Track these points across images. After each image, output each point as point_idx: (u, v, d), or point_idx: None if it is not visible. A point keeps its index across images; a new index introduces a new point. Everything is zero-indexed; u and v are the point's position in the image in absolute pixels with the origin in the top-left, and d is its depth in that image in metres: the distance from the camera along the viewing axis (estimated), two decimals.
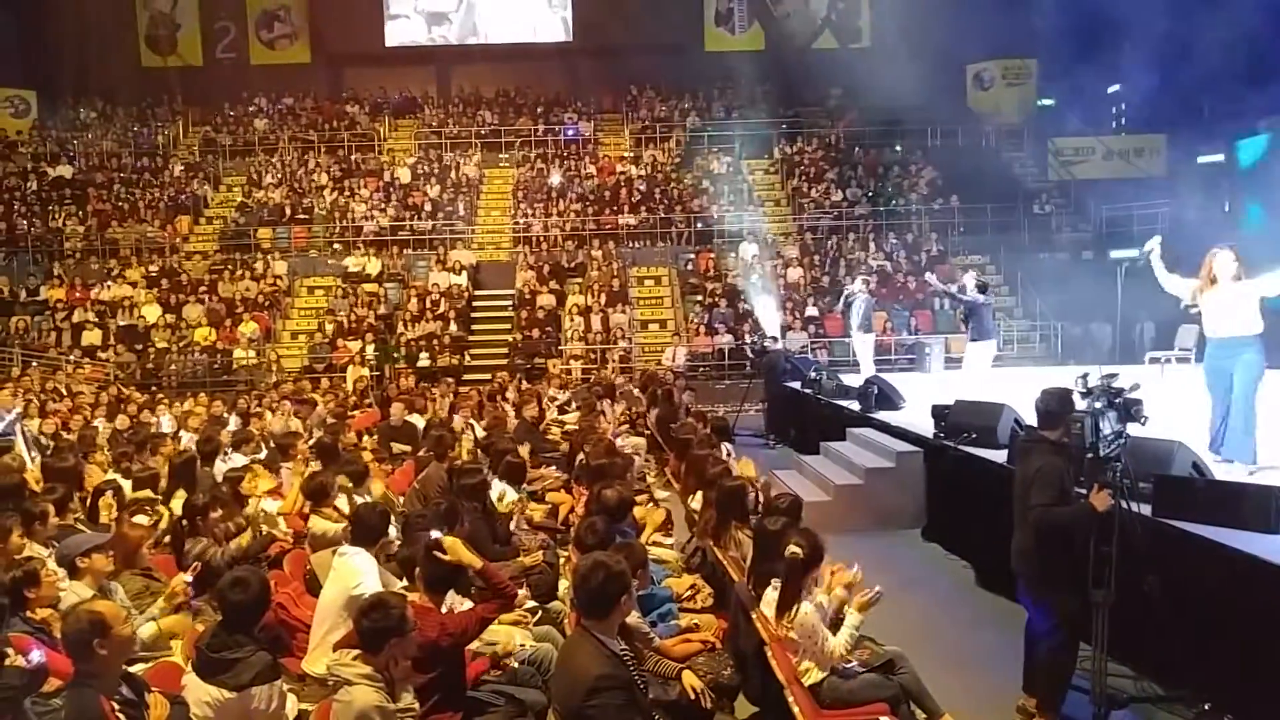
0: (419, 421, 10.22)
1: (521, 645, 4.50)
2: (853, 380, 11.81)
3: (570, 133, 23.98)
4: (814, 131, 24.03)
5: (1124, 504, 4.19)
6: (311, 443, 8.19)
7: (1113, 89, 22.31)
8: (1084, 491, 4.26)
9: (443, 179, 22.32)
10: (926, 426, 8.52)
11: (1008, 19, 19.57)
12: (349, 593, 4.33)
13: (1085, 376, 4.53)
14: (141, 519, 4.96)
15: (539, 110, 24.75)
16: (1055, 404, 4.43)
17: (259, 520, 5.58)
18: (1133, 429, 4.43)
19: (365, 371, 16.36)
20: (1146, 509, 4.98)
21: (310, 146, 23.48)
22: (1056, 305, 18.22)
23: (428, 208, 21.25)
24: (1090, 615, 4.25)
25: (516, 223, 21.45)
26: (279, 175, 22.45)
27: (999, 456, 6.91)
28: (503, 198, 22.47)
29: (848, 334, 18.20)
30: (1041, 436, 4.48)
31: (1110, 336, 17.60)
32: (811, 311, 18.87)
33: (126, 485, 6.45)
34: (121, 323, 18.38)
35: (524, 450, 8.33)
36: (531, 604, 5.18)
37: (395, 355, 17.21)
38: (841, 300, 13.20)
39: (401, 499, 6.97)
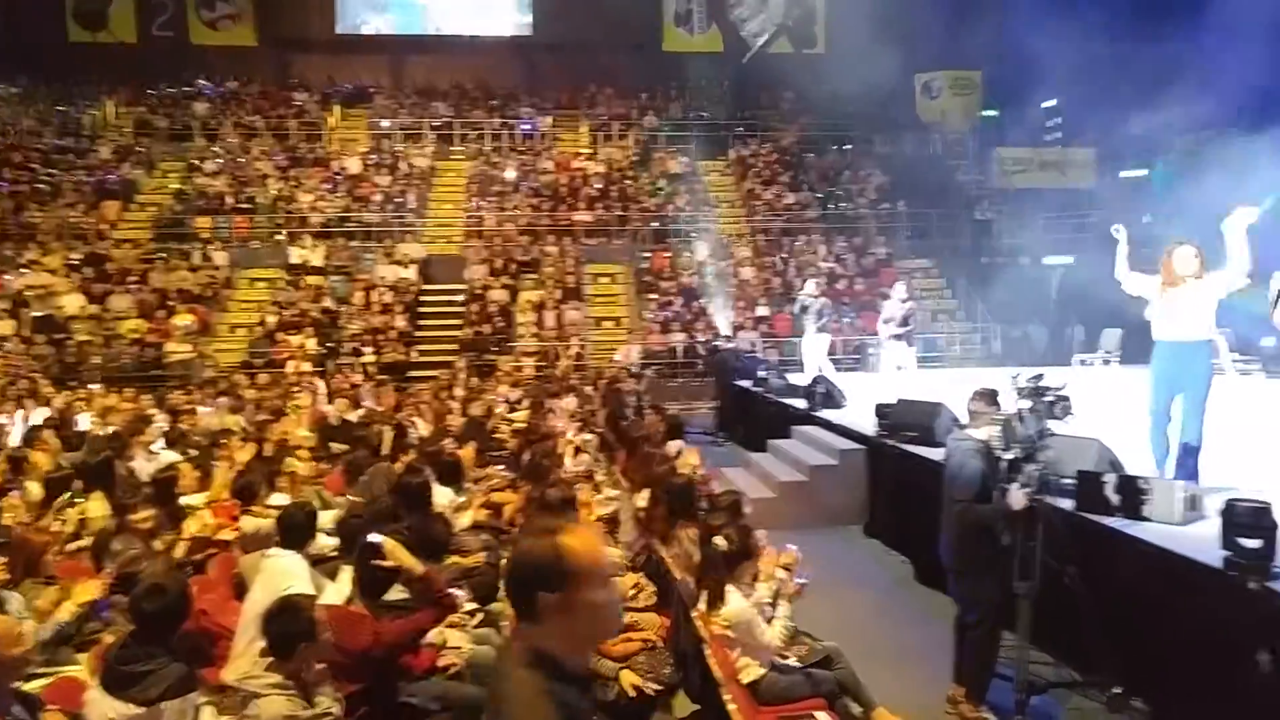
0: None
1: (458, 647, 4.48)
2: (800, 379, 12.01)
3: (526, 127, 23.89)
4: (768, 134, 24.29)
5: (1047, 499, 4.37)
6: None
7: (1049, 103, 23.00)
8: (1007, 488, 4.42)
9: (393, 170, 22.07)
10: (870, 425, 8.72)
11: (956, 31, 20.02)
12: (278, 596, 4.27)
13: (1016, 377, 4.71)
14: (51, 522, 4.75)
15: (495, 104, 24.60)
16: (982, 403, 4.59)
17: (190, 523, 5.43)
18: (1057, 427, 4.62)
19: (307, 366, 16.03)
20: (1069, 503, 5.20)
21: (254, 133, 22.96)
22: (996, 308, 18.72)
23: (377, 199, 20.99)
24: (1014, 606, 4.42)
25: (469, 216, 21.31)
26: (220, 162, 21.85)
27: (936, 454, 7.08)
28: (455, 191, 22.29)
29: (798, 335, 18.52)
30: (968, 435, 4.64)
31: (1044, 338, 18.17)
32: (762, 311, 19.08)
33: (34, 486, 6.19)
34: (37, 313, 17.15)
35: (469, 449, 8.32)
36: (471, 605, 5.17)
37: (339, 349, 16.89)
38: (797, 304, 13.33)
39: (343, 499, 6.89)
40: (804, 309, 13.03)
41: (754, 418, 12.58)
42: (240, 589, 4.93)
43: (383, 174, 21.85)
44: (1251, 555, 3.94)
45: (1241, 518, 4.00)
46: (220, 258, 19.35)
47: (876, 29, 18.17)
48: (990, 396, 4.63)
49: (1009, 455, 4.36)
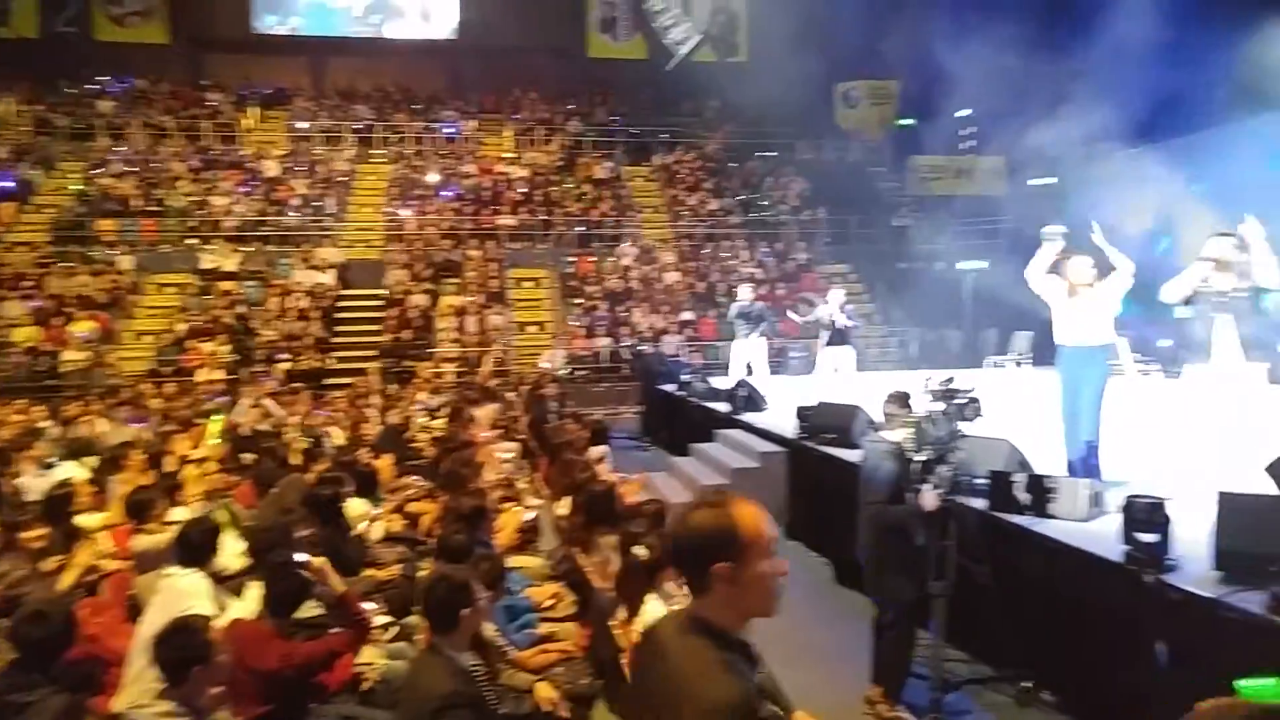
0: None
1: (371, 664, 4.34)
2: (724, 383, 12.07)
3: (450, 131, 23.57)
4: (692, 141, 24.47)
5: (959, 499, 4.46)
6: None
7: (962, 113, 23.71)
8: (920, 489, 4.49)
9: (312, 173, 21.51)
10: (791, 428, 8.80)
11: (874, 43, 20.48)
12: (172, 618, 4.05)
13: (928, 380, 4.79)
14: None
15: (417, 107, 24.21)
16: (895, 406, 4.66)
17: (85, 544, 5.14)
18: (968, 428, 4.71)
19: (219, 374, 15.47)
20: (981, 503, 5.32)
21: (165, 134, 22.10)
22: (913, 312, 19.19)
23: (295, 203, 20.43)
24: (928, 605, 4.48)
25: (390, 220, 20.91)
26: (127, 163, 20.95)
27: (854, 456, 7.18)
28: (376, 194, 21.84)
29: (727, 339, 18.65)
30: (882, 437, 4.70)
31: (959, 341, 18.72)
32: (687, 316, 19.18)
33: None
34: None
35: (386, 459, 8.12)
36: (385, 619, 5.02)
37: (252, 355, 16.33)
38: (735, 310, 13.34)
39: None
40: (742, 314, 13.07)
41: (678, 422, 12.62)
42: (136, 611, 4.69)
43: (301, 177, 21.28)
44: (1148, 549, 4.07)
45: (1139, 513, 4.13)
46: (126, 262, 18.54)
47: (797, 39, 18.49)
48: (903, 399, 4.71)
49: (921, 457, 4.43)
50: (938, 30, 16.26)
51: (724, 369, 16.21)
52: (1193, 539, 4.18)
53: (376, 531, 6.41)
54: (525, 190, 21.79)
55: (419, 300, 18.54)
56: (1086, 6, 13.19)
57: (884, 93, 25.06)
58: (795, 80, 19.53)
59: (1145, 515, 4.11)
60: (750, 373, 12.77)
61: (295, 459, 7.97)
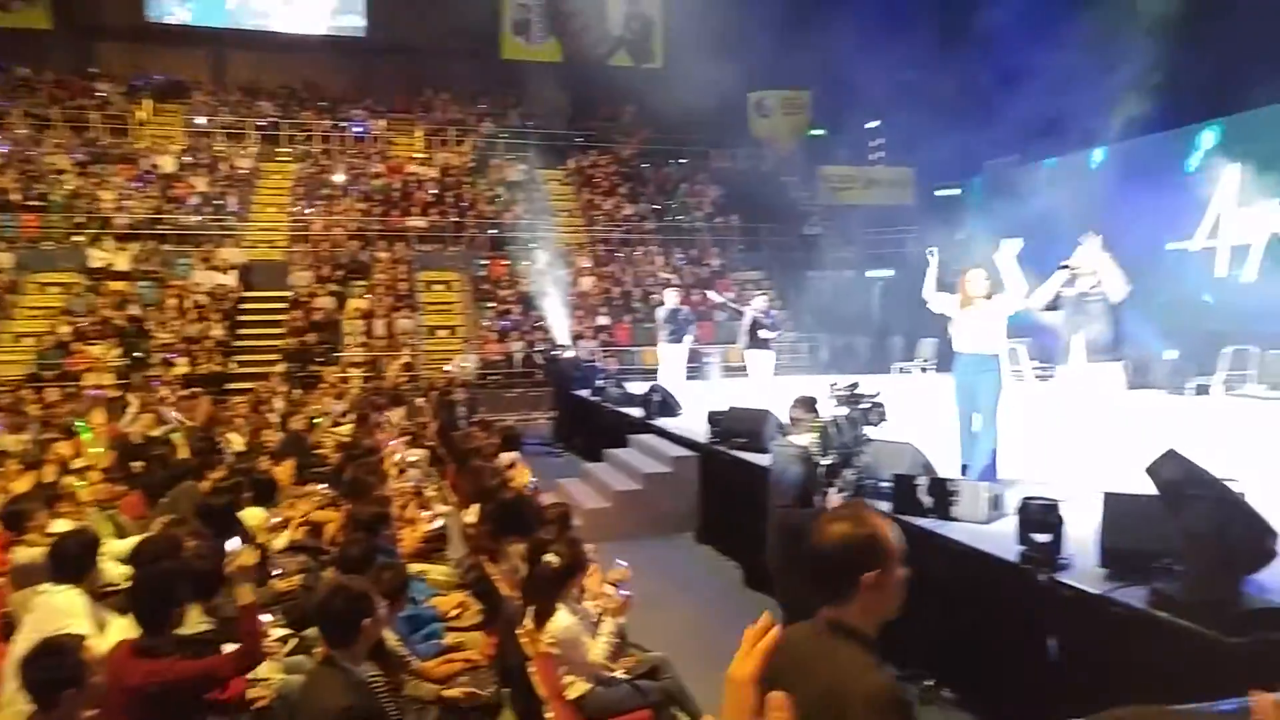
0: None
1: (267, 679, 4.16)
2: (639, 388, 12.07)
3: (358, 130, 23.00)
4: (607, 146, 24.47)
5: (864, 501, 4.52)
6: None
7: (871, 124, 24.37)
8: (829, 490, 4.56)
9: (213, 171, 20.67)
10: (703, 432, 8.84)
11: (786, 53, 20.85)
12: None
13: (833, 385, 4.86)
14: None
15: (324, 105, 23.54)
16: (801, 410, 4.71)
17: None
18: (873, 432, 4.80)
19: (108, 378, 14.69)
20: (885, 505, 5.42)
21: (48, 124, 20.90)
22: (823, 319, 19.59)
23: (194, 201, 19.59)
24: None
25: (295, 220, 20.26)
26: (6, 155, 19.70)
27: (764, 460, 7.25)
28: (280, 194, 21.14)
29: (641, 345, 18.69)
30: (789, 441, 4.75)
31: (867, 348, 19.20)
32: (602, 321, 19.15)
33: None
34: None
35: (287, 466, 7.85)
36: (283, 631, 4.82)
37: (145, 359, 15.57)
38: (662, 315, 13.27)
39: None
40: (669, 319, 13.02)
41: (592, 427, 12.57)
42: (11, 629, 4.40)
43: (200, 174, 20.42)
44: (1042, 549, 4.21)
45: (1033, 515, 4.27)
46: (5, 260, 17.47)
47: (712, 47, 18.69)
48: (809, 404, 4.76)
49: (827, 460, 4.48)
50: (848, 43, 16.66)
51: (639, 374, 16.25)
52: (1083, 538, 4.34)
53: (278, 541, 6.17)
54: (436, 192, 21.43)
55: (325, 303, 18.01)
56: (991, 24, 13.72)
57: (796, 103, 25.55)
58: (710, 88, 19.74)
59: (1039, 516, 4.25)
60: (682, 376, 12.76)
61: (189, 466, 7.60)
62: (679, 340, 12.99)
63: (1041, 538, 4.22)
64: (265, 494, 6.42)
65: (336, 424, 10.90)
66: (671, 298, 13.47)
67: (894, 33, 16.12)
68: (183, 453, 7.82)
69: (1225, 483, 3.56)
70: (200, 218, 19.31)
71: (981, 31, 13.83)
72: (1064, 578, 4.16)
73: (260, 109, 22.80)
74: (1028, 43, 13.97)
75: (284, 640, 4.69)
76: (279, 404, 11.92)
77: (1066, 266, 6.13)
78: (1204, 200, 13.49)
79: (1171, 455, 3.68)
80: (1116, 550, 4.12)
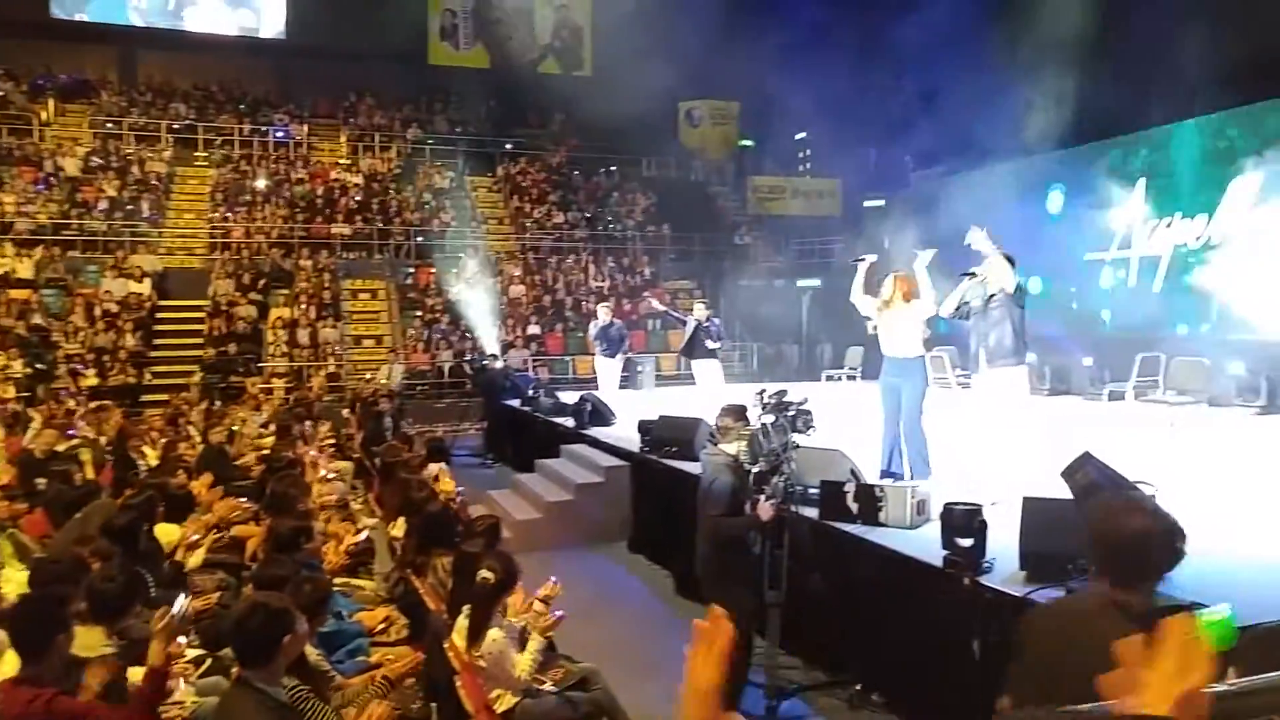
0: None
1: (181, 703, 3.97)
2: (570, 398, 11.99)
3: (280, 134, 22.43)
4: (537, 153, 24.37)
5: (792, 509, 4.56)
6: None
7: (799, 135, 24.78)
8: (759, 498, 4.57)
9: (123, 174, 19.90)
10: (635, 441, 8.82)
11: (715, 63, 21.07)
12: None
13: (762, 392, 4.89)
14: None
15: (243, 108, 22.90)
16: (730, 419, 4.73)
17: None
18: (801, 439, 4.85)
19: (10, 391, 13.96)
20: (813, 512, 5.48)
21: None
22: (754, 327, 19.81)
23: (103, 206, 18.81)
24: (764, 613, 4.56)
25: (214, 227, 19.63)
26: None
27: (695, 468, 7.27)
28: (198, 199, 20.47)
29: (577, 353, 18.60)
30: (720, 450, 4.76)
31: (797, 356, 19.49)
32: (533, 330, 19.02)
33: None
34: None
35: (205, 480, 7.57)
36: (197, 652, 4.62)
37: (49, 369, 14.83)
38: (594, 330, 13.08)
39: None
40: (601, 335, 12.85)
41: (523, 438, 12.43)
42: None
43: (111, 178, 19.63)
44: (965, 553, 4.30)
45: (957, 520, 4.35)
46: None
47: (642, 56, 18.77)
48: (738, 412, 4.78)
49: (756, 468, 4.50)
50: (776, 55, 16.93)
51: (571, 383, 16.19)
52: (1005, 542, 4.44)
53: (195, 558, 5.93)
54: (361, 199, 21.03)
55: (246, 311, 17.49)
56: (913, 42, 14.10)
57: (725, 113, 25.84)
58: (640, 97, 19.83)
59: (963, 521, 4.33)
60: (616, 388, 12.64)
61: (99, 482, 7.28)
62: (614, 355, 12.89)
63: (964, 542, 4.30)
64: (181, 509, 6.18)
65: (258, 436, 10.57)
66: (603, 314, 13.33)
67: (821, 46, 16.45)
68: (90, 469, 7.48)
69: (1136, 485, 3.68)
70: (110, 223, 18.55)
71: (904, 48, 14.21)
72: (986, 581, 4.25)
73: (174, 111, 22.05)
74: (948, 60, 14.41)
75: (198, 661, 4.51)
76: (197, 416, 11.51)
77: (972, 274, 6.31)
78: (1118, 213, 14.06)
79: (1086, 459, 3.80)
80: (1035, 553, 4.22)
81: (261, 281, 18.36)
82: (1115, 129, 13.86)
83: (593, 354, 13.01)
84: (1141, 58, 11.86)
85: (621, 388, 13.46)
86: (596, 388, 12.82)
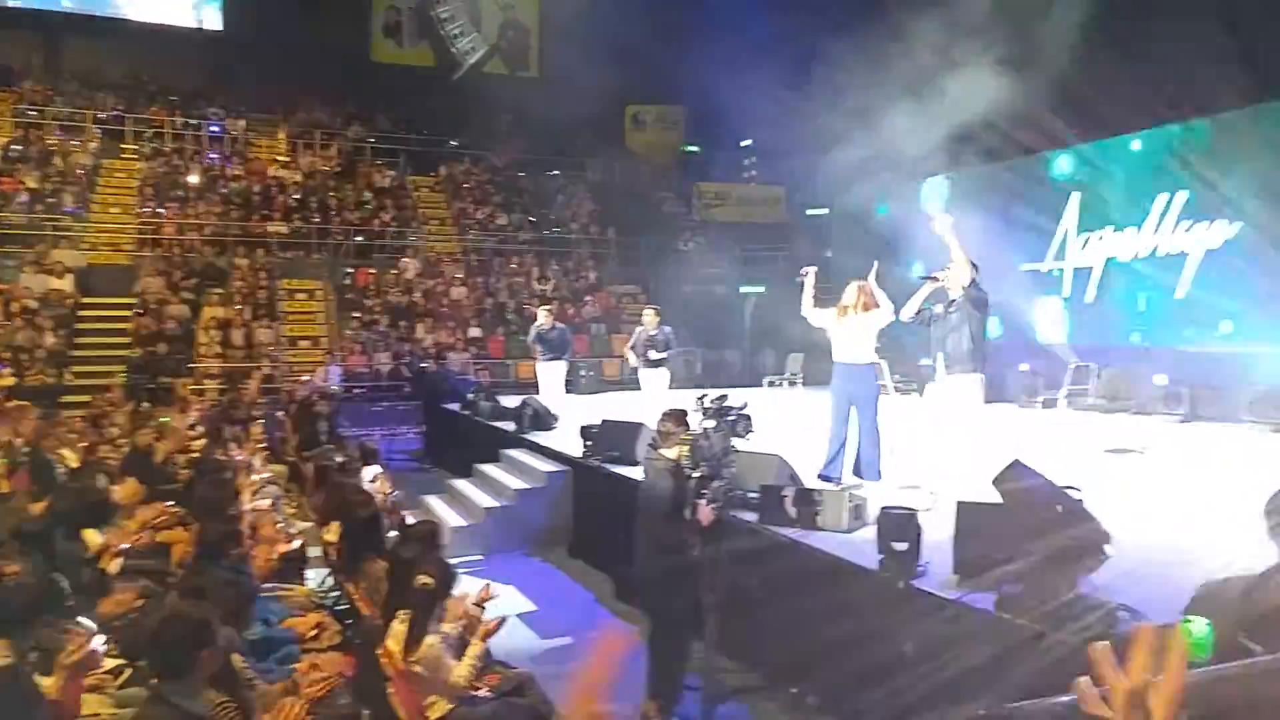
0: None
1: (97, 714, 3.81)
2: (510, 402, 11.86)
3: (215, 129, 21.85)
4: (481, 154, 24.15)
5: (732, 513, 4.57)
6: None
7: (745, 143, 24.96)
8: (700, 503, 4.57)
9: (45, 166, 19.15)
10: (577, 446, 8.77)
11: (663, 67, 21.14)
12: None
13: (703, 397, 4.89)
14: None
15: (175, 100, 22.24)
16: (670, 424, 4.73)
17: None
18: (741, 444, 4.87)
19: None
20: (752, 516, 5.50)
21: None
22: (697, 333, 19.89)
23: (23, 198, 18.07)
24: (701, 617, 4.56)
25: (143, 223, 19.02)
26: None
27: (637, 473, 7.26)
28: (127, 193, 19.80)
29: (519, 356, 18.39)
30: (660, 454, 4.76)
31: (739, 361, 19.62)
32: (474, 333, 18.82)
33: None
34: None
35: (130, 484, 7.31)
36: (116, 662, 4.44)
37: None
38: (534, 334, 12.64)
39: None
40: (540, 338, 12.46)
41: (462, 442, 12.28)
42: None
43: (30, 169, 18.88)
44: (900, 557, 4.35)
45: (892, 523, 4.41)
46: None
47: (589, 59, 18.74)
48: (679, 417, 4.78)
49: (697, 473, 4.51)
50: (723, 61, 17.02)
51: (512, 387, 16.01)
52: (940, 545, 4.51)
53: (117, 564, 5.71)
54: (300, 196, 20.59)
55: (177, 310, 16.96)
56: (856, 50, 14.30)
57: (672, 118, 25.95)
58: (586, 99, 19.80)
59: (898, 525, 4.39)
60: (560, 393, 12.29)
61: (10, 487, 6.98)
62: (555, 358, 12.53)
63: (899, 546, 4.36)
64: (102, 514, 5.95)
65: (187, 439, 10.25)
66: (543, 316, 12.95)
67: (767, 55, 16.60)
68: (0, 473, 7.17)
69: (1065, 490, 3.77)
70: (30, 216, 17.83)
71: (848, 56, 14.41)
72: (920, 584, 4.31)
73: (101, 100, 21.32)
74: (887, 72, 14.65)
75: (116, 672, 4.34)
76: (121, 418, 11.11)
77: (934, 278, 6.40)
78: (1053, 224, 14.47)
79: (1016, 466, 3.87)
80: (968, 557, 4.30)
81: (194, 279, 17.84)
82: (1051, 142, 14.24)
83: (534, 358, 12.75)
84: (1076, 74, 12.19)
85: (566, 392, 13.24)
86: (538, 392, 12.67)
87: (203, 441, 10.07)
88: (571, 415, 10.60)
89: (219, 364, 16.31)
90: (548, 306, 12.83)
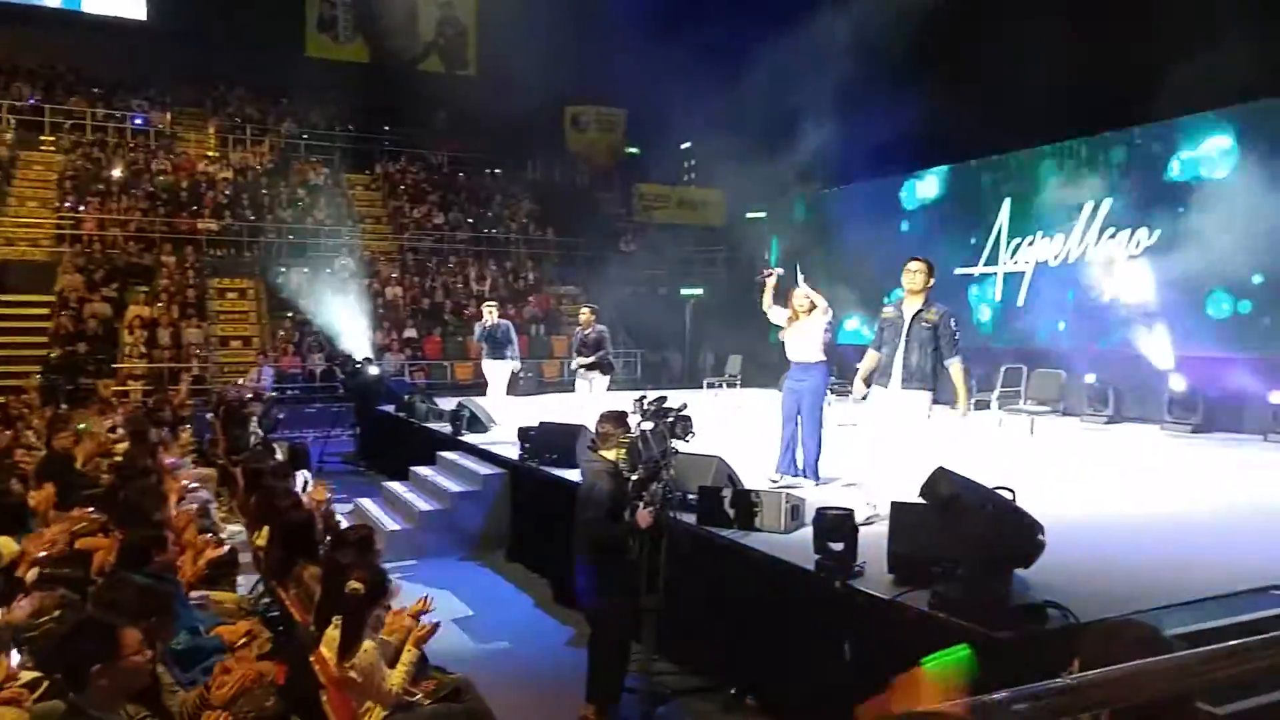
0: None
1: None
2: (448, 404, 11.69)
3: (139, 121, 21.14)
4: (417, 152, 23.82)
5: (671, 515, 4.57)
6: None
7: (685, 145, 25.08)
8: (639, 504, 4.57)
9: None
10: (515, 448, 8.70)
11: (603, 68, 21.12)
12: None
13: (642, 399, 4.89)
14: None
15: (97, 92, 21.45)
16: (609, 425, 4.73)
17: None
18: (681, 446, 4.87)
19: None
20: (692, 518, 5.52)
21: None
22: (639, 334, 19.93)
23: None
24: (641, 619, 4.55)
25: (62, 218, 18.30)
26: None
27: (576, 475, 7.23)
28: (45, 187, 19.04)
29: (456, 357, 18.18)
30: (599, 456, 4.75)
31: (680, 363, 19.71)
32: (410, 333, 18.54)
33: None
34: None
35: (47, 489, 7.02)
36: (32, 675, 4.25)
37: None
38: (479, 332, 12.30)
39: None
40: (486, 336, 12.19)
41: (398, 444, 12.08)
42: None
43: None
44: (837, 557, 4.41)
45: (828, 524, 4.46)
46: None
47: (528, 58, 18.64)
48: (618, 419, 4.78)
49: (635, 475, 4.50)
50: (663, 63, 17.06)
51: (449, 389, 15.83)
52: (877, 546, 4.59)
53: (33, 573, 5.48)
54: (230, 193, 20.04)
55: (99, 309, 16.37)
56: (794, 57, 14.47)
57: (612, 119, 25.93)
58: (525, 99, 19.69)
59: (834, 525, 4.44)
60: (503, 392, 12.00)
61: None
62: (501, 357, 12.32)
63: (836, 546, 4.41)
64: (16, 521, 5.71)
65: (109, 442, 9.89)
66: (488, 314, 12.68)
67: (707, 58, 16.72)
68: None
69: (995, 491, 3.86)
70: None
71: (784, 64, 14.59)
72: (857, 584, 4.37)
73: (17, 91, 20.46)
74: (824, 78, 14.89)
75: (32, 686, 4.15)
76: (39, 421, 10.67)
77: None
78: (986, 229, 14.84)
79: (941, 473, 3.95)
80: (903, 556, 4.37)
81: (117, 278, 17.23)
82: (986, 150, 14.60)
83: (473, 357, 12.56)
84: (1009, 84, 12.51)
85: (506, 393, 13.03)
86: (475, 393, 12.50)
87: (125, 445, 9.74)
88: (512, 416, 10.52)
89: (145, 364, 15.78)
90: (492, 303, 12.59)
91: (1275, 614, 4.15)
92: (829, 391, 7.44)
